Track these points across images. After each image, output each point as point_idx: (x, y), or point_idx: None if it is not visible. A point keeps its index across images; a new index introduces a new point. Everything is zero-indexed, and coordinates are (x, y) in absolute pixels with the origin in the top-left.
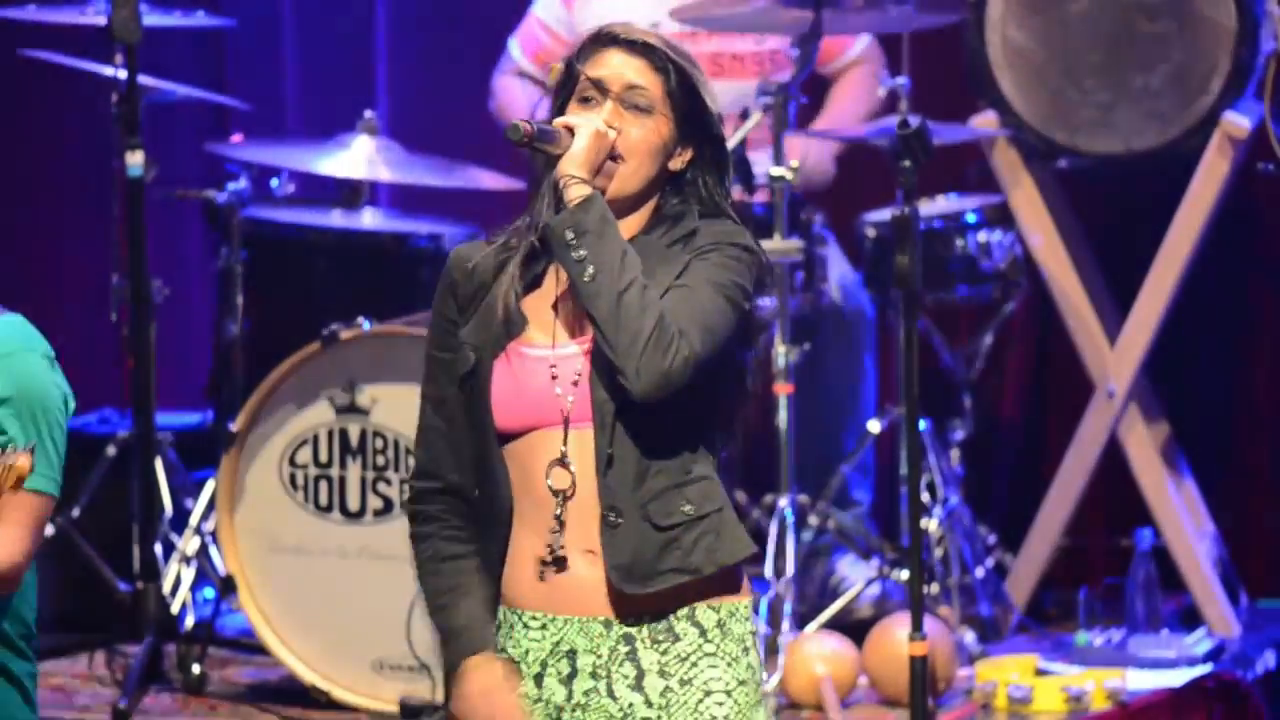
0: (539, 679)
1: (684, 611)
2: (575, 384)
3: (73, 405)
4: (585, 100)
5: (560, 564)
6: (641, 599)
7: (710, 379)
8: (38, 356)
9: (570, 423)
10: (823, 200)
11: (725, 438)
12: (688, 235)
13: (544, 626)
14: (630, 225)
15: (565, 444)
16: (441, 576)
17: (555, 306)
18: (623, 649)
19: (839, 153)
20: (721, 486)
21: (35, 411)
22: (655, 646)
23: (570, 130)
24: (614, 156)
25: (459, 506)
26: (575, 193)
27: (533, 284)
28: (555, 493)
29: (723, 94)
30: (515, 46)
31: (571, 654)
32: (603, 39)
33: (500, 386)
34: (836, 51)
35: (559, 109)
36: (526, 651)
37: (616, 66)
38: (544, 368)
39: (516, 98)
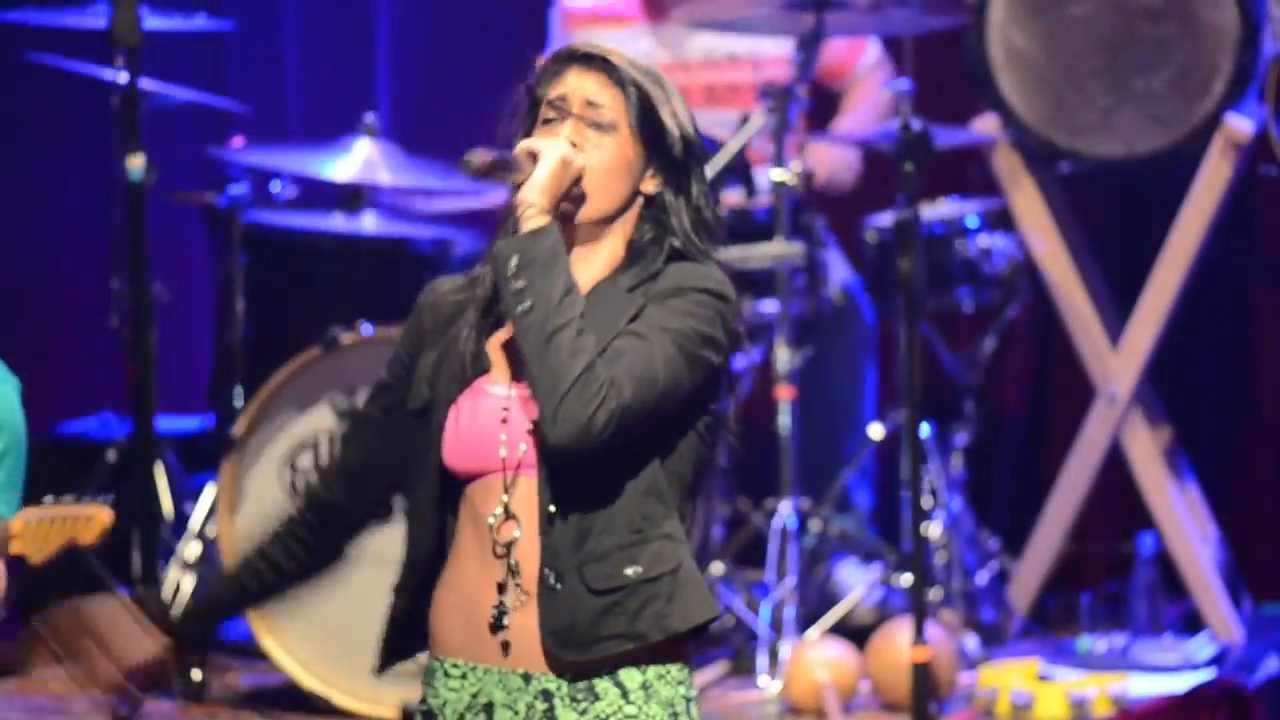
0: None
1: (606, 670)
2: (530, 431)
3: None
4: (548, 122)
5: (501, 622)
6: (565, 659)
7: (664, 432)
8: (10, 390)
9: (520, 470)
10: (824, 204)
11: (693, 494)
12: (650, 278)
13: (464, 676)
14: (603, 258)
15: (507, 493)
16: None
17: (514, 348)
18: (540, 706)
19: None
20: (684, 547)
21: (12, 444)
22: (574, 705)
23: (534, 156)
24: (578, 179)
25: (323, 519)
26: (531, 223)
27: (499, 321)
28: (503, 546)
29: (719, 123)
30: None
31: (489, 708)
32: (561, 57)
33: (452, 427)
34: (847, 67)
35: (525, 131)
36: (445, 703)
37: (575, 84)
38: (497, 409)
39: None
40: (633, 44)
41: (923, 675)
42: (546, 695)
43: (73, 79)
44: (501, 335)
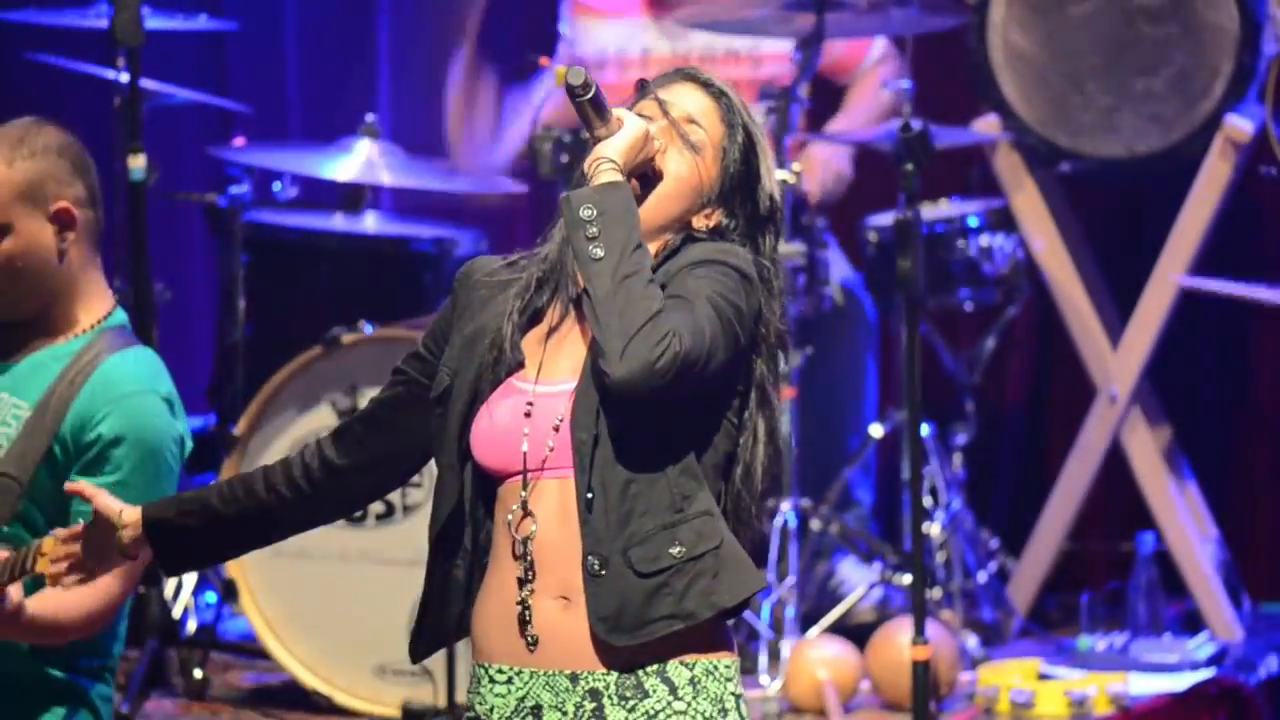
0: None
1: (654, 667)
2: (556, 429)
3: (189, 446)
4: (642, 116)
5: (525, 618)
6: (613, 651)
7: (697, 409)
8: (156, 399)
9: (545, 469)
10: (823, 204)
11: (725, 477)
12: (669, 257)
13: (510, 680)
14: None
15: (525, 490)
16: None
17: (547, 344)
18: (589, 705)
19: (853, 154)
20: (723, 523)
21: (145, 456)
22: (623, 704)
23: (620, 121)
24: (652, 175)
25: (318, 468)
26: (606, 176)
27: (534, 318)
28: (520, 543)
29: None
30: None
31: (537, 710)
32: (684, 73)
33: (483, 422)
34: (854, 61)
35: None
36: (492, 709)
37: (684, 96)
38: (521, 407)
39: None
40: (635, 38)
41: (923, 674)
42: (595, 695)
43: (74, 79)
44: (537, 332)
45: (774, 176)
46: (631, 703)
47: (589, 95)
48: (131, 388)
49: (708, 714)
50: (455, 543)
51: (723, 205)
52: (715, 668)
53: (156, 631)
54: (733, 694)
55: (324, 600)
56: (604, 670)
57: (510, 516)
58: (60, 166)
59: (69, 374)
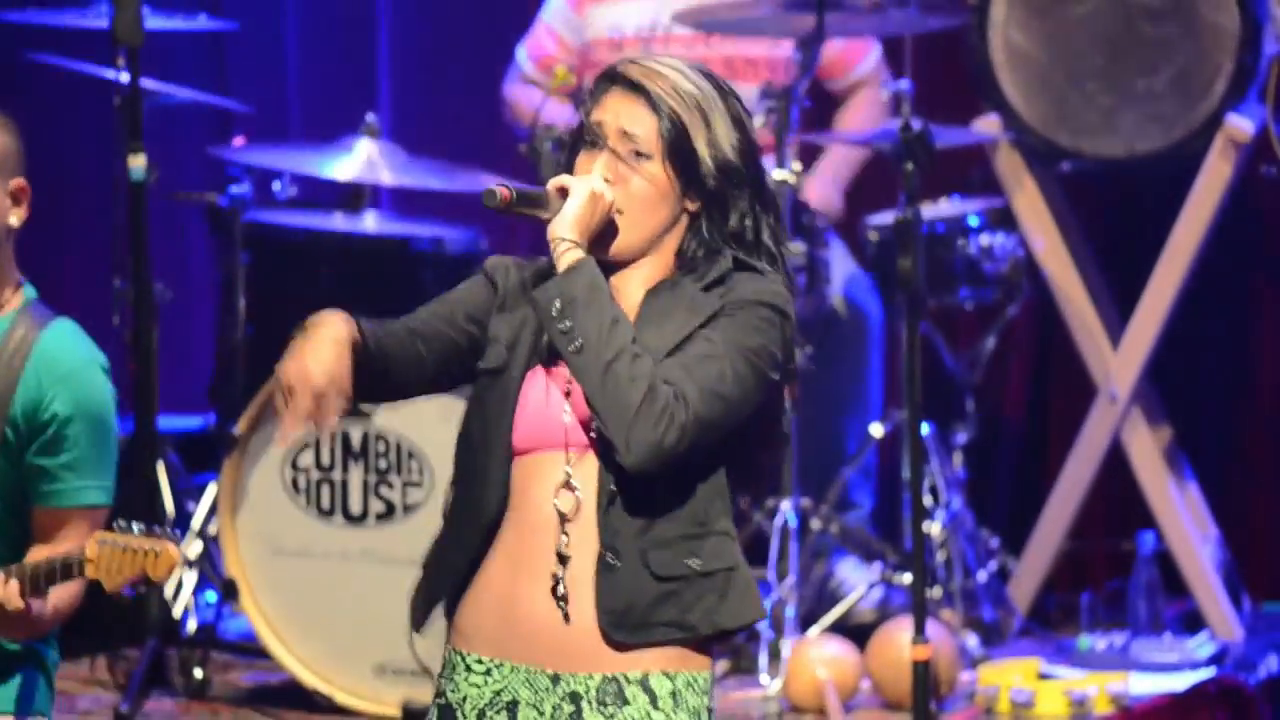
0: None
1: (636, 675)
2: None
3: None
4: (591, 144)
5: (558, 589)
6: (604, 651)
7: (734, 440)
8: (97, 369)
9: (585, 447)
10: None
11: (746, 495)
12: (722, 279)
13: (488, 672)
14: (653, 270)
15: (569, 464)
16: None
17: None
18: (567, 708)
19: (848, 184)
20: (738, 548)
21: (96, 428)
22: (601, 709)
23: (563, 192)
24: (611, 211)
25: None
26: (565, 259)
27: None
28: (560, 517)
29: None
30: (523, 54)
31: (513, 706)
32: (607, 78)
33: (519, 402)
34: (843, 67)
35: (572, 153)
36: (465, 698)
37: (612, 110)
38: (561, 383)
39: (525, 104)
40: (654, 17)
41: (923, 673)
42: (574, 698)
43: (75, 79)
44: None
45: (721, 143)
46: (611, 709)
47: (513, 201)
48: (73, 363)
49: None
50: (488, 516)
51: (690, 189)
52: (695, 680)
53: (157, 631)
54: (707, 707)
55: (324, 600)
56: (587, 674)
57: (557, 500)
58: (17, 147)
59: (4, 355)
